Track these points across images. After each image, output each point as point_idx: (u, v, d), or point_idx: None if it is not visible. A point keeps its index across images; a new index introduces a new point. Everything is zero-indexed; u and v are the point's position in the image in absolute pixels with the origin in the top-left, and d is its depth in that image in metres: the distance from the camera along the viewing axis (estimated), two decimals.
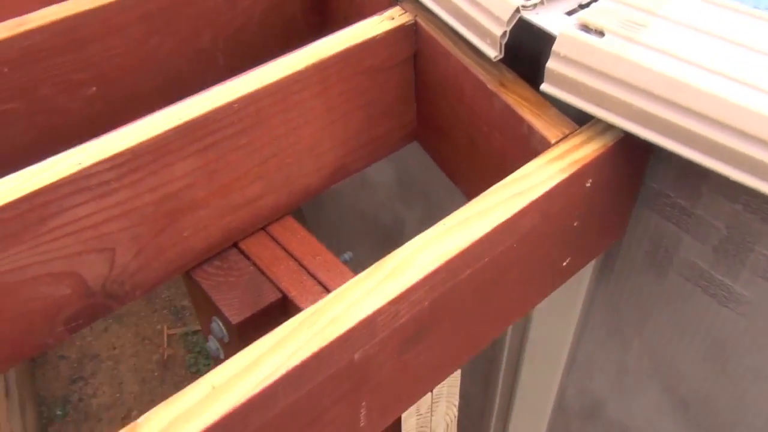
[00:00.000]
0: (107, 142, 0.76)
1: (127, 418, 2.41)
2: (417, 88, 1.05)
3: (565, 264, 0.87)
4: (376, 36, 0.94)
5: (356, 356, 0.63)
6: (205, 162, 0.84)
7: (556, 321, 1.23)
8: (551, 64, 0.81)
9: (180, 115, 0.80)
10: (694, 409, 1.06)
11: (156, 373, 2.51)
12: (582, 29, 0.82)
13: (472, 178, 1.00)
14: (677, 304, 0.99)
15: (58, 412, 2.44)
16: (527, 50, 0.88)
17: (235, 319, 0.86)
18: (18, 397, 2.29)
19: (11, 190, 0.70)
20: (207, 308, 0.92)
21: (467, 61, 0.92)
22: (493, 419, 1.63)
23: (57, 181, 0.72)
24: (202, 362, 2.54)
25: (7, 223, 0.70)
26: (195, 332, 2.63)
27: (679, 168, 0.88)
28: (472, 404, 1.69)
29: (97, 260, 0.80)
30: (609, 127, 0.81)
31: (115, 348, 2.58)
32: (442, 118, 1.02)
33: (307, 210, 2.20)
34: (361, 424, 0.74)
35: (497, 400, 1.56)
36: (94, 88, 1.04)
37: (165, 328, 2.64)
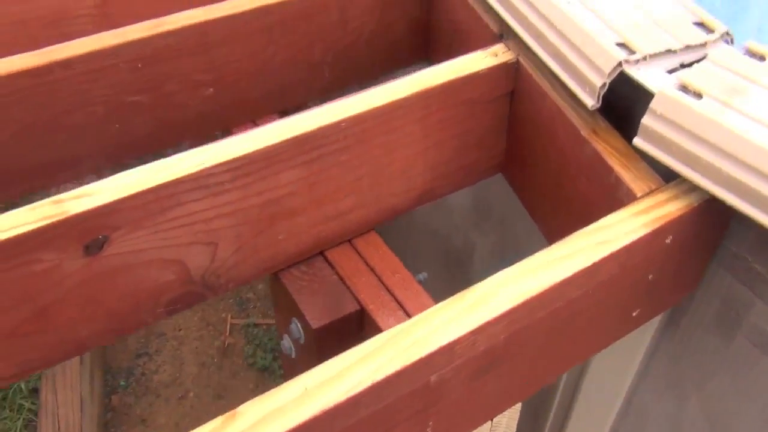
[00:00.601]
0: (227, 146, 0.84)
1: (184, 398, 2.52)
2: (509, 123, 1.09)
3: (635, 314, 0.90)
4: (480, 71, 0.99)
5: (433, 378, 0.68)
6: (309, 173, 0.91)
7: (616, 364, 1.24)
8: (647, 120, 0.84)
9: (293, 129, 0.87)
10: None
11: (215, 359, 2.62)
12: (681, 89, 0.84)
13: (553, 218, 1.04)
14: (742, 368, 0.99)
15: (122, 383, 2.58)
16: (621, 98, 0.91)
17: (315, 324, 0.92)
18: (89, 365, 2.44)
19: (142, 180, 0.78)
20: (288, 309, 0.98)
21: (563, 104, 0.96)
22: None
23: (180, 177, 0.80)
24: (259, 355, 2.63)
25: (135, 210, 0.78)
26: (256, 325, 2.73)
27: (759, 233, 0.89)
28: None
29: (201, 252, 0.87)
30: (695, 188, 0.83)
31: (180, 329, 2.71)
32: (531, 154, 1.06)
33: None
34: None
35: None
36: (212, 89, 1.13)
37: (229, 317, 2.74)
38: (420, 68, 1.39)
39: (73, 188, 0.77)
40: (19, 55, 0.96)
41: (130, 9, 1.26)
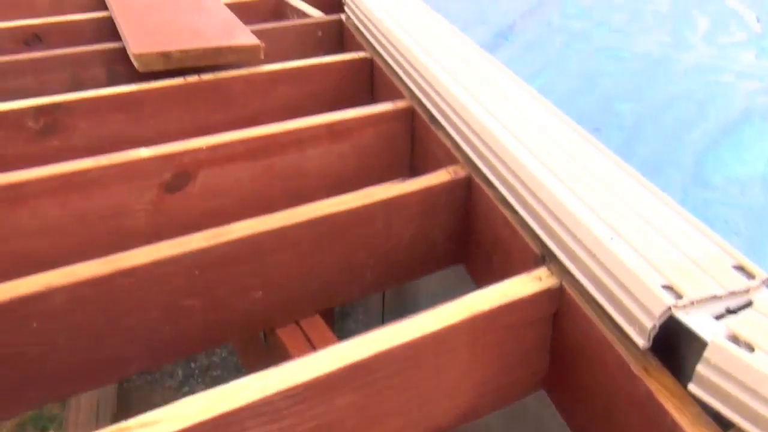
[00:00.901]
0: (287, 373, 0.85)
1: None
2: (553, 342, 1.11)
3: None
4: (526, 296, 1.02)
5: None
6: (361, 397, 0.91)
7: None
8: (701, 369, 0.86)
9: (350, 356, 0.88)
10: None
11: None
12: (731, 339, 0.87)
13: None
14: None
15: None
16: (665, 336, 0.93)
17: None
18: None
19: (206, 408, 0.78)
20: None
21: (611, 337, 0.98)
22: None
23: (241, 406, 0.80)
24: None
25: None
26: None
27: None
28: None
29: None
30: None
31: None
32: (577, 377, 1.06)
33: None
34: None
35: None
36: (260, 292, 1.16)
37: None
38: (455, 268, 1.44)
39: None
40: (84, 264, 0.99)
41: (179, 204, 1.33)
